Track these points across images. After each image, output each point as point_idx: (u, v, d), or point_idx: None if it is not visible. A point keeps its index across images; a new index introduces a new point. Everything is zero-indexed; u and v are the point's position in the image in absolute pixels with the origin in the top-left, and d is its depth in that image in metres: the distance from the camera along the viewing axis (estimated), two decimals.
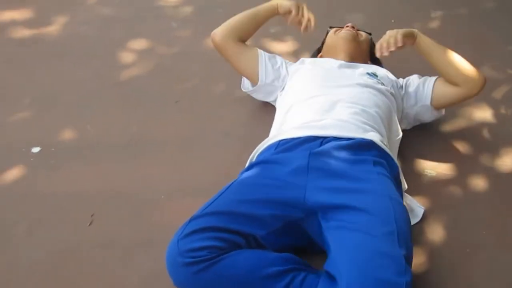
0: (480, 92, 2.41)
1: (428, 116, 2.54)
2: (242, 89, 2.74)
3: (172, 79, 3.04)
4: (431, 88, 2.47)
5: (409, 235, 1.78)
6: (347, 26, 2.69)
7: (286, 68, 2.59)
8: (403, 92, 2.51)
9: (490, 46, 3.26)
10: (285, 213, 1.87)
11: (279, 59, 2.65)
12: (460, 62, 2.38)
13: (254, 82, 2.64)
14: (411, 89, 2.51)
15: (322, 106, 2.21)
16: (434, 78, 2.50)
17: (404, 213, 1.86)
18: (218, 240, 1.74)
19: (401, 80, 2.57)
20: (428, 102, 2.47)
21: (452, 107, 2.64)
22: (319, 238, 1.88)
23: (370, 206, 1.79)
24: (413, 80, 2.55)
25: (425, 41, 2.40)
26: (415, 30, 2.39)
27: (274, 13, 2.60)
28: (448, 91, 2.45)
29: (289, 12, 2.52)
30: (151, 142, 2.63)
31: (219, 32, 2.59)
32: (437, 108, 2.50)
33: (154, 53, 3.26)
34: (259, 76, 2.59)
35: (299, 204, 1.87)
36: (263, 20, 2.65)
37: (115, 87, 2.99)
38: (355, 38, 2.63)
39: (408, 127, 2.59)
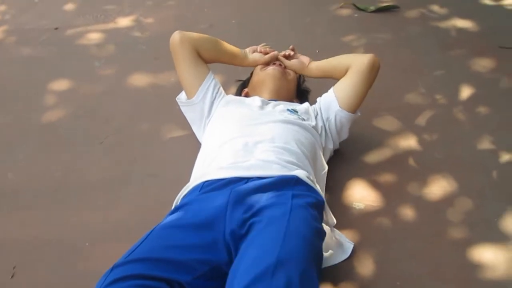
0: (374, 66, 2.48)
1: (346, 122, 2.53)
2: (177, 100, 2.67)
3: (96, 119, 2.98)
4: (333, 93, 2.54)
5: (305, 270, 1.67)
6: (275, 63, 2.69)
7: (218, 104, 2.55)
8: (319, 115, 2.52)
9: (415, 72, 3.31)
10: (209, 257, 1.82)
11: (221, 92, 2.62)
12: (343, 55, 2.67)
13: (189, 96, 2.60)
14: (319, 107, 2.55)
15: (245, 147, 2.18)
16: (332, 87, 2.58)
17: (305, 248, 1.75)
18: None
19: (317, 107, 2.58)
20: (337, 106, 2.49)
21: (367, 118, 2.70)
22: None
23: (258, 239, 1.76)
24: (318, 100, 2.60)
25: (313, 64, 2.69)
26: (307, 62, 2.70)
27: (240, 64, 2.75)
28: (346, 81, 2.52)
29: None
30: (76, 186, 2.56)
31: (181, 35, 2.56)
32: (349, 108, 2.50)
33: (77, 94, 3.19)
34: (196, 94, 2.56)
35: (221, 243, 1.84)
36: (228, 60, 2.72)
37: (38, 131, 2.92)
38: (282, 75, 2.63)
39: (336, 146, 2.59)
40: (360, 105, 2.54)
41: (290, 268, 1.64)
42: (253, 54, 2.72)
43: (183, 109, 2.68)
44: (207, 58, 2.63)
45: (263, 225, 1.80)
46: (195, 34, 2.61)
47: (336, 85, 2.56)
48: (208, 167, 2.20)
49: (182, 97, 2.66)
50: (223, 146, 2.25)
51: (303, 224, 1.84)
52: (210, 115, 2.55)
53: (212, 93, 2.56)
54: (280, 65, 2.68)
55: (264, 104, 2.46)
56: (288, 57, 2.72)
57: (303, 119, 2.40)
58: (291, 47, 2.76)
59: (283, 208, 1.87)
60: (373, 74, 2.50)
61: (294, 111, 2.43)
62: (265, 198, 1.92)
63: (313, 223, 1.90)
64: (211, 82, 2.58)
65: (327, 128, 2.50)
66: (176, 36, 2.57)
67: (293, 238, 1.75)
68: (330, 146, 2.53)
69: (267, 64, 2.70)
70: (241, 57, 2.72)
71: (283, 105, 2.47)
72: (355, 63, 2.50)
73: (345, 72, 2.53)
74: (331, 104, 2.51)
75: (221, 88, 2.64)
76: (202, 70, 2.59)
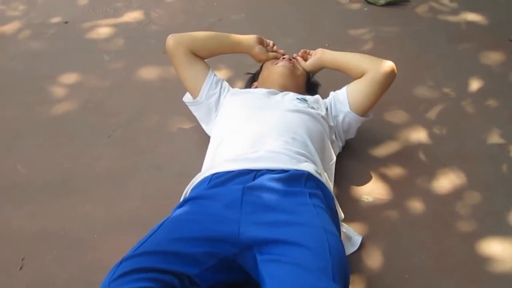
0: (391, 75, 2.42)
1: (355, 123, 2.51)
2: (183, 100, 2.68)
3: (104, 112, 2.98)
4: (345, 93, 2.49)
5: (345, 268, 1.75)
6: (284, 58, 2.66)
7: (224, 98, 2.54)
8: (329, 110, 2.50)
9: (424, 65, 3.30)
10: (218, 250, 1.81)
11: (225, 85, 2.61)
12: (362, 55, 2.57)
13: (194, 97, 2.60)
14: (331, 103, 2.52)
15: (254, 137, 2.18)
16: (347, 85, 2.53)
17: (340, 245, 1.82)
18: (150, 281, 1.67)
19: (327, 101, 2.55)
20: (348, 108, 2.46)
21: (379, 114, 2.70)
22: (255, 272, 1.83)
23: (305, 239, 1.75)
24: (331, 95, 2.56)
25: (328, 56, 2.62)
26: (320, 54, 2.62)
27: (246, 51, 2.69)
28: (360, 86, 2.46)
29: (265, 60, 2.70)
30: (84, 179, 2.56)
31: (174, 39, 2.56)
32: (359, 112, 2.47)
33: (86, 87, 3.19)
34: (199, 93, 2.56)
35: (233, 239, 1.82)
36: (230, 49, 2.69)
37: (47, 124, 2.91)
38: (292, 72, 2.60)
39: (342, 144, 2.56)
40: (371, 109, 2.52)
41: (341, 269, 1.71)
42: (259, 46, 2.68)
43: (191, 108, 2.68)
44: (205, 55, 2.63)
45: (297, 227, 1.80)
46: (189, 35, 2.60)
47: (350, 85, 2.51)
48: (217, 157, 2.20)
49: (188, 97, 2.66)
50: (231, 136, 2.25)
51: (329, 224, 1.87)
52: (217, 110, 2.54)
53: (215, 90, 2.56)
54: (290, 59, 2.65)
55: (271, 94, 2.45)
56: (304, 57, 2.71)
57: (313, 108, 2.38)
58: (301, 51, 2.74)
59: (308, 208, 1.89)
60: (389, 82, 2.45)
61: (304, 100, 2.41)
62: (281, 195, 1.92)
63: (336, 221, 1.96)
64: (212, 80, 2.57)
65: (334, 126, 2.48)
66: (169, 41, 2.57)
67: (333, 239, 1.79)
68: (340, 143, 2.52)
69: (274, 59, 2.68)
70: (247, 45, 2.68)
71: (293, 94, 2.45)
72: (373, 70, 2.43)
73: (360, 75, 2.47)
74: (342, 104, 2.48)
75: (225, 82, 2.63)
76: (201, 70, 2.59)
